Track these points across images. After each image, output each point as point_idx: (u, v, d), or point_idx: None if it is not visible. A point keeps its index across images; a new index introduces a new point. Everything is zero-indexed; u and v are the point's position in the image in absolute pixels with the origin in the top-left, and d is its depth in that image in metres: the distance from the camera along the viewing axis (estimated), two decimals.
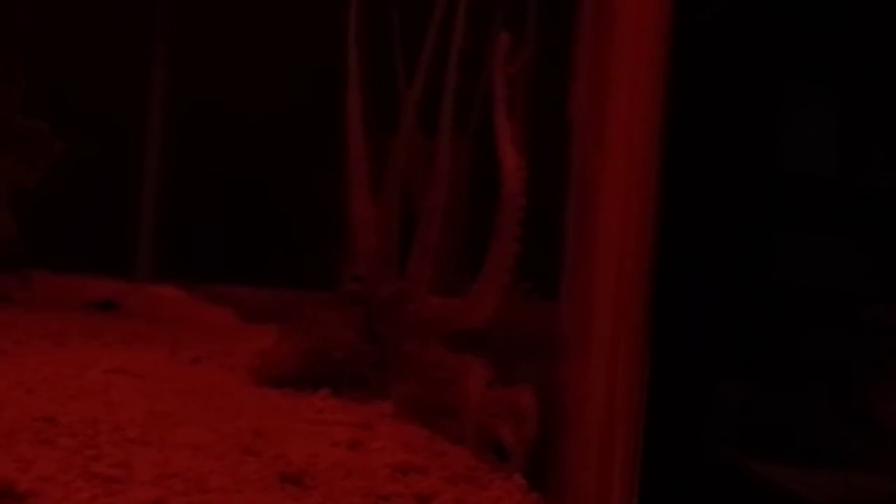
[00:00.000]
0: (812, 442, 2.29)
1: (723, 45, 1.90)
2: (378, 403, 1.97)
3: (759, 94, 2.07)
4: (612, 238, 1.76)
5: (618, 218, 1.76)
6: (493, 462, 1.72)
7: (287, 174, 3.14)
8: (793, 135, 2.32)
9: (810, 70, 2.13)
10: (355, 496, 1.57)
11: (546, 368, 1.80)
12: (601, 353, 1.70)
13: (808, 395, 2.35)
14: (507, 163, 1.93)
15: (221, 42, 3.27)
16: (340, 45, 3.02)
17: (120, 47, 3.28)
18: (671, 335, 1.85)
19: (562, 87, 1.89)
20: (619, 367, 1.70)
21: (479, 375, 1.79)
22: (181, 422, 1.70)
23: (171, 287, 3.10)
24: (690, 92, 1.85)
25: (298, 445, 1.68)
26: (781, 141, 2.24)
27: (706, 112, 2.03)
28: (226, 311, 2.83)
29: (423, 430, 1.84)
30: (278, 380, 2.02)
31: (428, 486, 1.63)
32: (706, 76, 1.90)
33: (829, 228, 2.41)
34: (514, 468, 1.70)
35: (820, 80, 2.18)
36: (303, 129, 3.13)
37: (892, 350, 2.28)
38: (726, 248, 2.30)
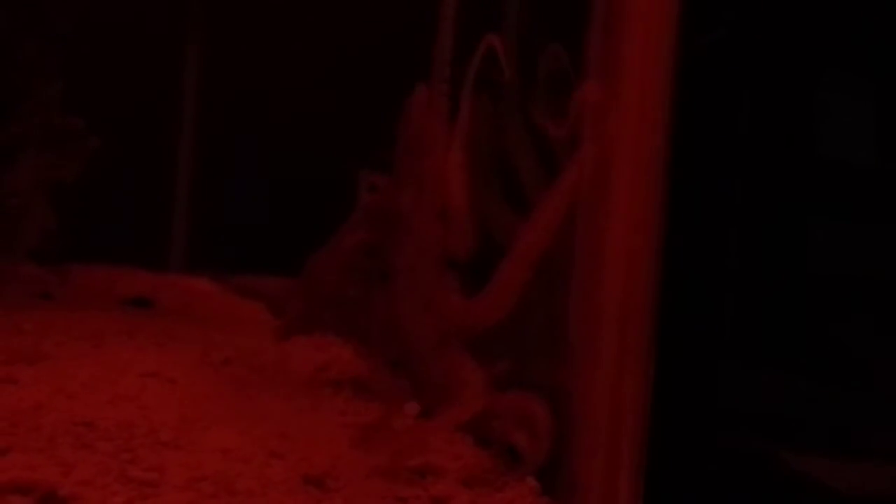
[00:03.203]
0: (844, 433, 2.35)
1: (728, 68, 1.96)
2: (401, 404, 2.04)
3: (761, 111, 2.13)
4: (619, 243, 1.82)
5: (625, 225, 1.82)
6: (506, 465, 1.80)
7: (319, 166, 3.21)
8: (806, 142, 2.37)
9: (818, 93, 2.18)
10: (374, 498, 1.66)
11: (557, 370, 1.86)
12: (608, 358, 1.77)
13: (839, 386, 2.40)
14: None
15: (254, 34, 3.35)
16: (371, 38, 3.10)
17: (153, 43, 3.36)
18: (678, 339, 1.92)
19: None
20: (626, 372, 1.77)
21: (473, 391, 1.81)
22: (211, 425, 1.80)
23: (204, 279, 3.20)
24: (694, 100, 1.91)
25: (321, 448, 1.78)
26: (787, 150, 2.30)
27: (711, 119, 2.08)
28: (257, 304, 2.92)
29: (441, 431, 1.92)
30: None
31: (444, 488, 1.72)
32: (711, 93, 1.96)
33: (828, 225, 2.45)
34: (528, 471, 1.78)
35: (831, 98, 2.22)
36: (334, 121, 3.21)
37: None
38: (736, 249, 2.36)
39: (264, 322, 2.72)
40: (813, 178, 2.42)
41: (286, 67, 3.35)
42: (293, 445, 1.77)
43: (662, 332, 1.80)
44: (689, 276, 2.16)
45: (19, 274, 2.82)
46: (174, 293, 2.97)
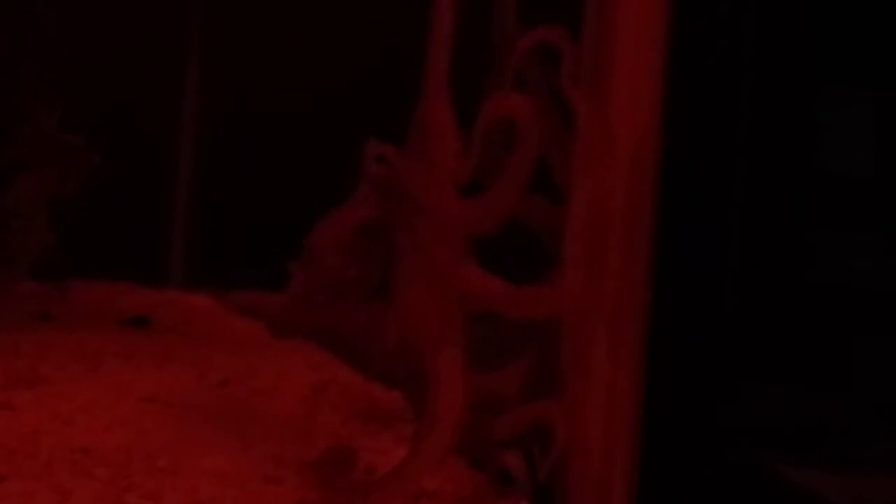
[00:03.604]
0: (845, 446, 2.35)
1: (721, 91, 1.97)
2: (401, 426, 2.05)
3: (760, 121, 2.14)
4: (610, 264, 1.82)
5: (617, 245, 1.82)
6: (500, 488, 1.81)
7: (323, 182, 3.21)
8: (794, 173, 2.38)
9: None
10: None
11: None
12: (599, 381, 1.78)
13: (840, 398, 2.41)
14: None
15: (253, 53, 3.36)
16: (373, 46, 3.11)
17: (152, 59, 3.38)
18: (670, 366, 1.92)
19: None
20: (618, 394, 1.78)
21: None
22: (208, 450, 1.81)
23: (203, 296, 3.20)
24: (691, 107, 1.91)
25: (316, 473, 1.78)
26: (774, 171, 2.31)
27: (708, 126, 2.08)
28: (256, 323, 2.93)
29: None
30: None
31: None
32: (709, 101, 1.96)
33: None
34: (522, 494, 1.79)
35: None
36: (338, 136, 3.21)
37: None
38: (735, 261, 2.37)
39: (263, 340, 2.74)
40: (812, 188, 2.44)
41: (288, 82, 3.36)
42: (288, 470, 1.78)
43: (656, 346, 1.81)
44: (684, 288, 2.17)
45: (19, 291, 2.84)
46: (173, 310, 2.98)
